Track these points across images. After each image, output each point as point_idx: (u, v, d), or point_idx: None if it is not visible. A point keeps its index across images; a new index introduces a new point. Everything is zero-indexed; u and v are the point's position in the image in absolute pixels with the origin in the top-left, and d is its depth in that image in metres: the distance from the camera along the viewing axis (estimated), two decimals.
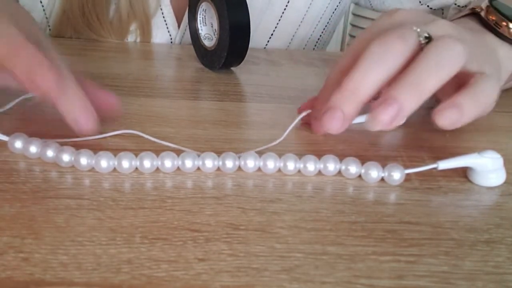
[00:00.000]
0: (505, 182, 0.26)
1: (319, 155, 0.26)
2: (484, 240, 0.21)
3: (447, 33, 0.28)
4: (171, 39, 0.56)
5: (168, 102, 0.36)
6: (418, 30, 0.27)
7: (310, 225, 0.22)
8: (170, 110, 0.35)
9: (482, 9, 0.37)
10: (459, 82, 0.27)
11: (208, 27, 0.45)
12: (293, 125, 0.29)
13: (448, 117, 0.25)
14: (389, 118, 0.25)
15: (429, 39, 0.27)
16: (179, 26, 0.56)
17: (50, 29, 0.56)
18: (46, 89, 0.25)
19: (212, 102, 0.37)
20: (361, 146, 0.30)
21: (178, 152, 0.26)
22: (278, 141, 0.28)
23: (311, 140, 0.31)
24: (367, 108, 0.26)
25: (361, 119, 0.32)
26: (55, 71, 0.25)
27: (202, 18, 0.45)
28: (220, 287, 0.18)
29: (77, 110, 0.27)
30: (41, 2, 0.56)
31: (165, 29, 0.55)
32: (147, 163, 0.25)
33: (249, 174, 0.26)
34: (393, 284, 0.18)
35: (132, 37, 0.55)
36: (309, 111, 0.30)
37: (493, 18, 0.36)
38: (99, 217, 0.21)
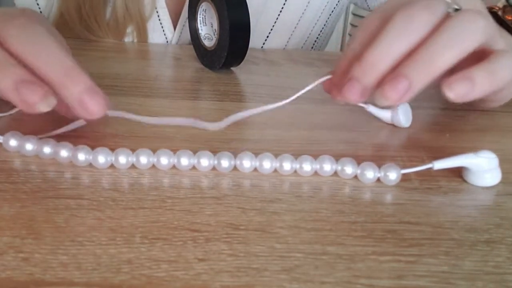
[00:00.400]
0: (504, 182, 0.26)
1: (319, 155, 0.26)
2: (484, 240, 0.21)
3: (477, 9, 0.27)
4: (167, 41, 0.56)
5: (168, 102, 0.36)
6: (449, 0, 0.26)
7: (310, 225, 0.22)
8: (170, 110, 0.35)
9: (499, 9, 0.37)
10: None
11: (208, 27, 0.45)
12: (309, 87, 0.28)
13: (457, 89, 0.24)
14: (398, 95, 0.24)
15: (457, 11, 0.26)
16: (174, 29, 0.56)
17: None
18: (95, 115, 0.25)
19: (212, 102, 0.37)
20: (361, 146, 0.30)
21: (175, 150, 0.26)
22: (290, 99, 0.28)
23: (311, 140, 0.31)
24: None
25: (383, 113, 0.32)
26: (104, 98, 0.25)
27: (202, 18, 0.45)
28: (220, 287, 0.18)
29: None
30: (38, 5, 0.56)
31: (161, 32, 0.55)
32: (143, 159, 0.25)
33: (249, 174, 0.26)
34: (393, 284, 0.18)
35: (129, 39, 0.55)
36: (329, 76, 0.29)
37: (510, 18, 0.35)
38: (99, 217, 0.21)
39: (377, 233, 0.21)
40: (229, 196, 0.24)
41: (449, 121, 0.35)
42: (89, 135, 0.29)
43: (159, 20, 0.55)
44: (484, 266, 0.19)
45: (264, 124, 0.33)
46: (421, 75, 0.24)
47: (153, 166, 0.26)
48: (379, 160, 0.26)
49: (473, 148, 0.26)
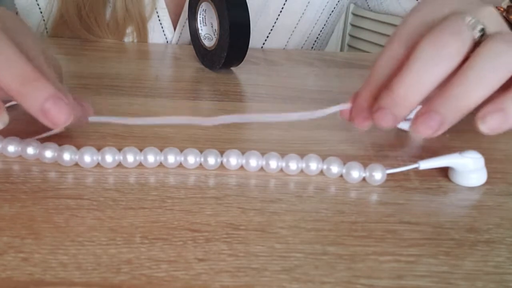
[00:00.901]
0: (506, 183, 0.26)
1: (320, 155, 0.26)
2: (484, 240, 0.21)
3: (499, 29, 0.26)
4: (167, 41, 0.56)
5: (168, 102, 0.36)
6: (472, 21, 0.25)
7: (310, 225, 0.22)
8: (170, 110, 0.35)
9: (503, 10, 0.36)
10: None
11: (208, 27, 0.45)
12: (329, 110, 0.28)
13: (491, 123, 0.24)
14: (430, 131, 0.24)
15: (483, 32, 0.25)
16: (174, 29, 0.56)
17: (47, 32, 0.56)
18: (61, 124, 0.23)
19: (212, 102, 0.37)
20: (362, 146, 0.30)
21: (182, 149, 0.26)
22: (296, 118, 0.27)
23: (312, 140, 0.31)
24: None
25: (403, 125, 0.32)
26: (70, 105, 0.24)
27: (202, 18, 0.45)
28: (220, 287, 0.18)
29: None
30: (38, 5, 0.56)
31: (161, 32, 0.55)
32: (151, 158, 0.26)
33: (249, 174, 0.26)
34: (393, 284, 0.18)
35: (129, 39, 0.55)
36: (348, 105, 0.28)
37: None
38: (99, 217, 0.21)
39: (377, 233, 0.21)
40: (229, 196, 0.24)
41: None
42: (88, 135, 0.29)
43: (159, 20, 0.55)
44: (484, 266, 0.19)
45: (264, 124, 0.33)
46: (453, 111, 0.24)
47: (160, 164, 0.26)
48: (380, 160, 0.26)
49: (473, 148, 0.26)
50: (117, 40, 0.54)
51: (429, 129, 0.24)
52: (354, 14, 1.69)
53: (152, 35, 0.55)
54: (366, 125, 0.27)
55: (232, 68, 0.45)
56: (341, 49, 1.76)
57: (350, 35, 1.74)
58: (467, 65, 0.24)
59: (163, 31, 0.55)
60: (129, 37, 0.55)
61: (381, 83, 0.26)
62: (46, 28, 0.56)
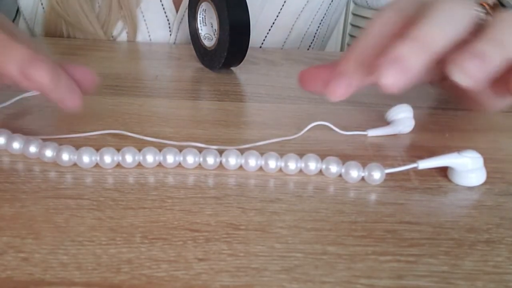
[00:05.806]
0: (505, 182, 0.26)
1: (319, 154, 0.26)
2: (484, 240, 0.21)
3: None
4: (169, 24, 0.55)
5: (168, 102, 0.36)
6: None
7: (310, 225, 0.22)
8: (170, 110, 0.35)
9: (490, 7, 0.36)
10: None
11: (208, 27, 0.45)
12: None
13: (470, 70, 0.21)
14: (477, 70, 0.21)
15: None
16: (177, 11, 0.55)
17: (44, 10, 0.56)
18: (41, 84, 0.24)
19: (212, 102, 0.37)
20: (361, 145, 0.30)
21: (181, 149, 0.26)
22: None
23: (312, 139, 0.31)
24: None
25: (381, 131, 0.32)
26: (48, 64, 0.24)
27: (202, 18, 0.45)
28: (220, 287, 0.18)
29: (67, 95, 0.26)
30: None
31: (162, 13, 0.55)
32: (150, 158, 0.26)
33: (249, 174, 0.26)
34: (393, 284, 0.18)
35: (118, 30, 0.54)
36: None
37: None
38: (99, 217, 0.21)
39: (377, 233, 0.21)
40: (229, 196, 0.24)
41: (449, 121, 0.35)
42: (89, 136, 0.29)
43: (160, 1, 0.55)
44: (484, 266, 0.19)
45: (264, 124, 0.33)
46: (497, 55, 0.22)
47: (159, 164, 0.26)
48: (379, 160, 0.26)
49: (473, 148, 0.26)
50: (106, 31, 0.54)
51: (475, 68, 0.22)
52: (354, 14, 1.69)
53: (153, 17, 0.55)
54: (344, 93, 0.24)
55: (232, 68, 0.45)
56: (341, 49, 1.76)
57: (350, 35, 1.74)
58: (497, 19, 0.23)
59: (165, 12, 0.55)
60: (121, 24, 0.54)
61: (372, 48, 0.24)
62: (43, 7, 0.56)
